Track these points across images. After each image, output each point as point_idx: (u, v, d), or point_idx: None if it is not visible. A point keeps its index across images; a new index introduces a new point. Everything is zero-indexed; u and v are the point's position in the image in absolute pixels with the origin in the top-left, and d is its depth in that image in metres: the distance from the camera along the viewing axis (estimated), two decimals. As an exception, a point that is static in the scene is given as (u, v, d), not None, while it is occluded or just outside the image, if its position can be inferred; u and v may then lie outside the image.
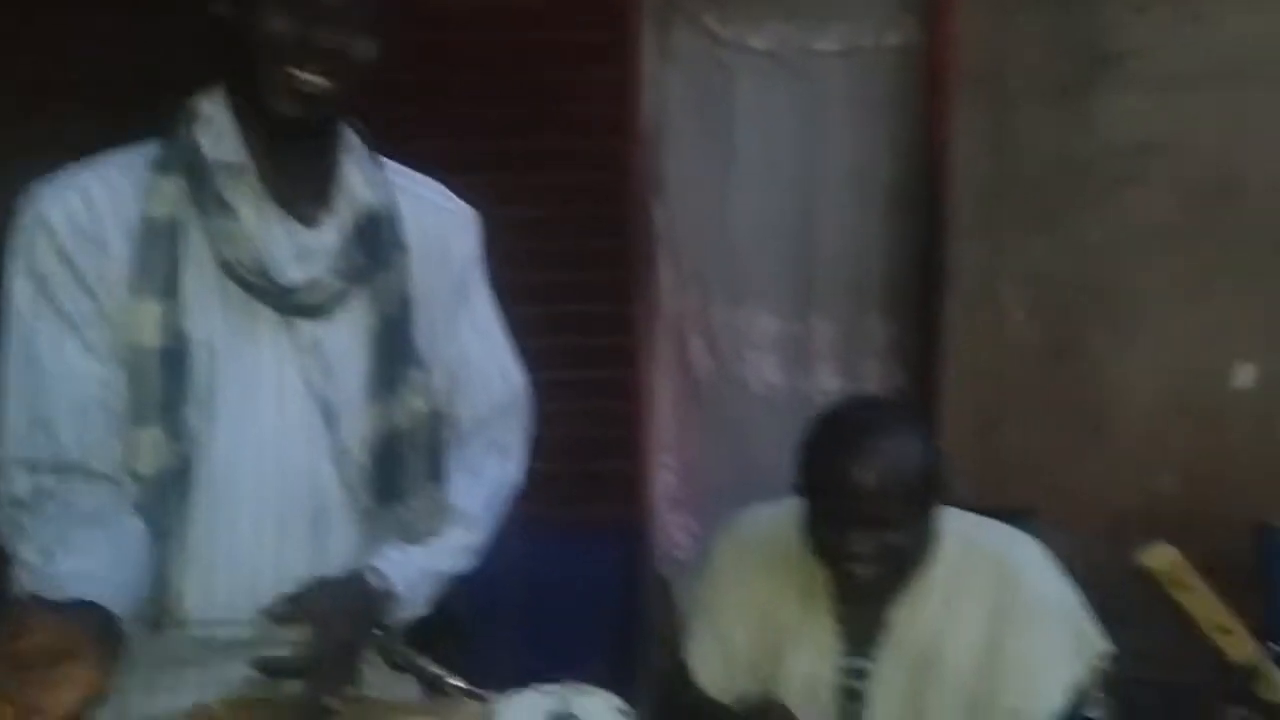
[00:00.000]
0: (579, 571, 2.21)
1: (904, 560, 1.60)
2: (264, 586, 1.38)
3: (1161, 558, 1.12)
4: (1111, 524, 2.66)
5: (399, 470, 1.47)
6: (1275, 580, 1.99)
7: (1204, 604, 1.13)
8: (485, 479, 1.59)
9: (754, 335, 3.06)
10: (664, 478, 3.10)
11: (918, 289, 2.89)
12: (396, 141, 1.57)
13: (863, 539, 1.54)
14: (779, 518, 1.78)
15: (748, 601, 1.74)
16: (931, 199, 2.83)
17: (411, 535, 1.47)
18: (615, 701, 1.35)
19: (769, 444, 2.83)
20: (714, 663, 1.74)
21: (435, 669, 1.35)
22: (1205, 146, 2.77)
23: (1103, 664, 1.64)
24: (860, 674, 1.67)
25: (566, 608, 2.14)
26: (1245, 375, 2.78)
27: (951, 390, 2.80)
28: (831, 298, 2.98)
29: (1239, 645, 1.15)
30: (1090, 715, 1.63)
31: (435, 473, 1.50)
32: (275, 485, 1.41)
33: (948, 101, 2.79)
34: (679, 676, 1.76)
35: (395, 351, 1.46)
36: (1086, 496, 2.69)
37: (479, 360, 1.59)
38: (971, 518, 1.74)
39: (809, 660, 1.69)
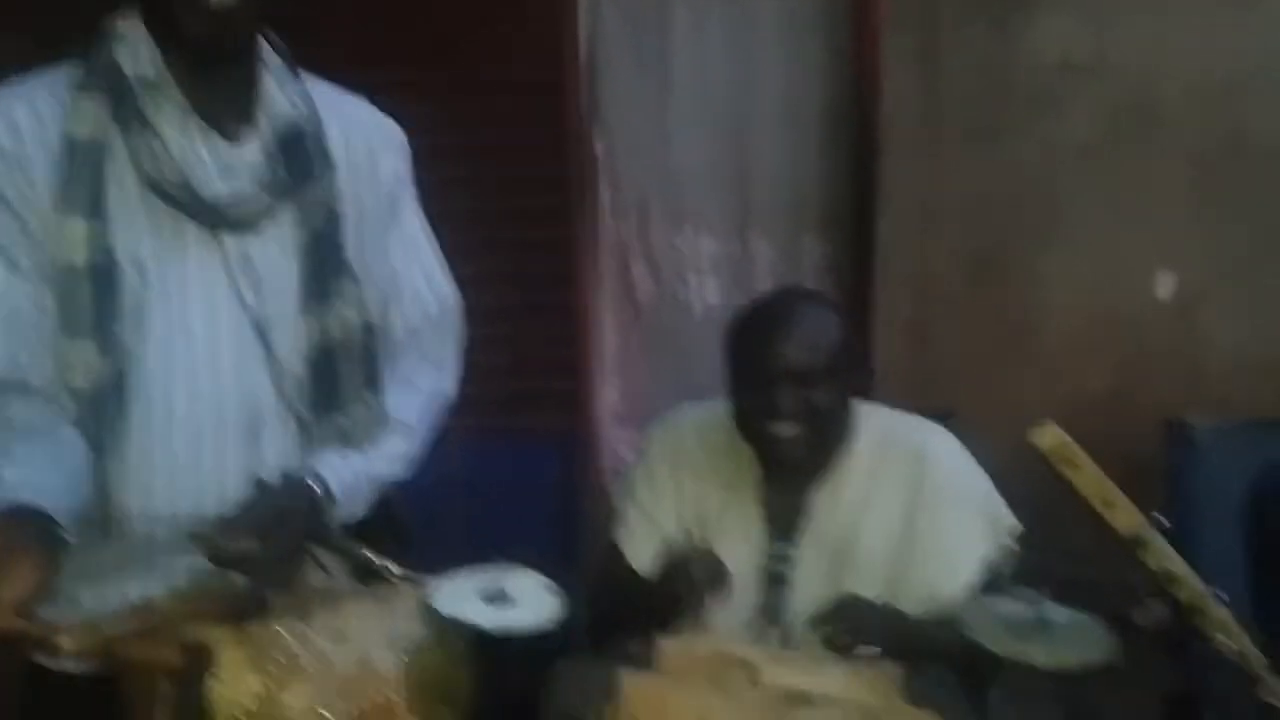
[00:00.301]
0: (522, 479, 2.26)
1: (825, 423, 1.67)
2: (202, 497, 1.42)
3: (1049, 436, 1.18)
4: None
5: (335, 381, 1.50)
6: (1180, 471, 2.07)
7: (1089, 480, 1.19)
8: (419, 390, 1.63)
9: (694, 258, 3.09)
10: (609, 396, 3.15)
11: (851, 208, 2.93)
12: (331, 68, 1.59)
13: (786, 396, 1.61)
14: (708, 415, 1.85)
15: (678, 492, 1.80)
16: (863, 121, 2.87)
17: (349, 443, 1.51)
18: (545, 580, 1.40)
19: (710, 363, 2.86)
20: (644, 544, 1.80)
21: (371, 556, 1.40)
22: (1128, 67, 2.82)
23: (1011, 542, 1.71)
24: (784, 559, 1.74)
25: (509, 513, 2.20)
26: (1165, 285, 2.85)
27: (885, 304, 2.86)
28: (769, 219, 3.02)
29: (1124, 517, 1.20)
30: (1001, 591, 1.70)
31: (371, 383, 1.53)
32: (210, 398, 1.44)
33: (878, 25, 2.83)
34: (611, 558, 1.82)
35: (325, 264, 1.49)
36: (1013, 401, 2.74)
37: (410, 275, 1.62)
38: (888, 411, 1.81)
39: (736, 547, 1.75)
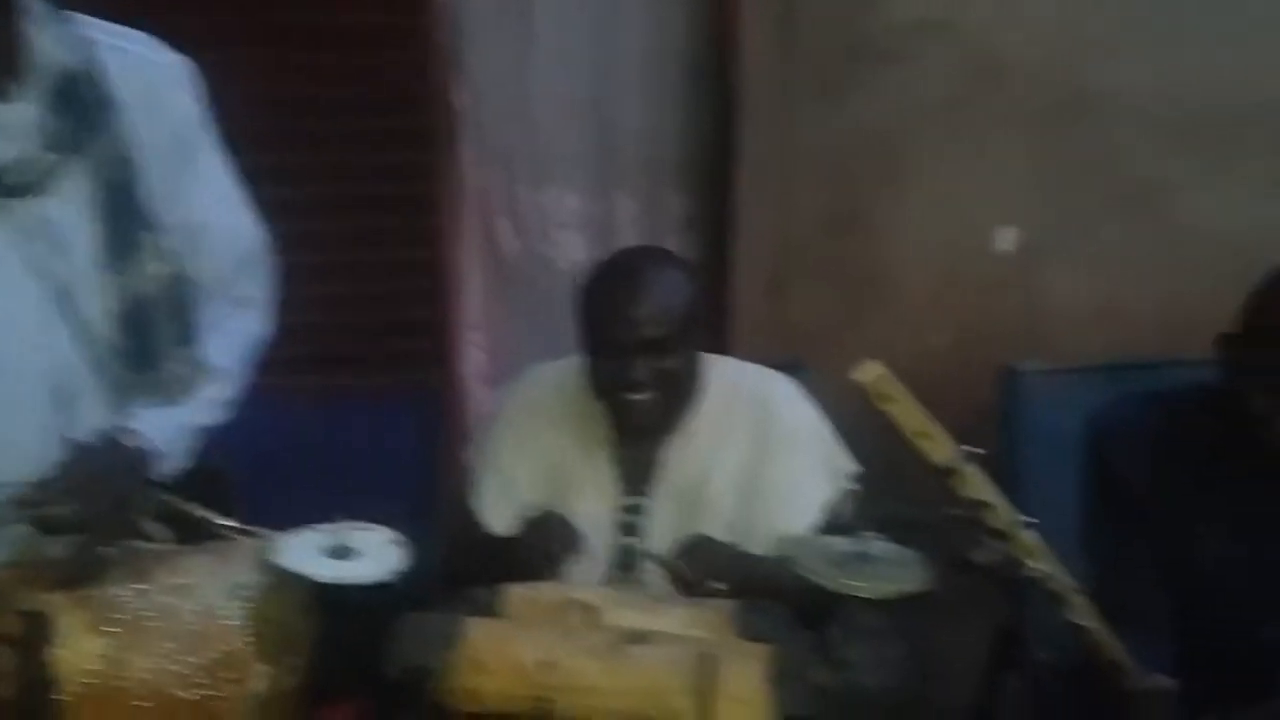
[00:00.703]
0: (383, 438, 2.24)
1: (677, 387, 1.69)
2: (20, 467, 1.38)
3: (868, 372, 1.22)
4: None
5: (148, 337, 1.47)
6: (1012, 415, 2.16)
7: (906, 412, 1.24)
8: (233, 334, 1.62)
9: (559, 214, 3.09)
10: (474, 355, 3.13)
11: (711, 165, 2.95)
12: (172, 21, 1.53)
13: (640, 365, 1.63)
14: (562, 372, 1.86)
15: (532, 449, 1.81)
16: (721, 78, 2.88)
17: (168, 397, 1.48)
18: (390, 535, 1.40)
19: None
20: (500, 505, 1.81)
21: (203, 513, 1.38)
22: (977, 27, 2.88)
23: (850, 484, 1.77)
24: (636, 510, 1.76)
25: (369, 472, 2.18)
26: (1008, 239, 2.94)
27: (744, 259, 2.89)
28: (632, 175, 3.03)
29: (938, 448, 1.26)
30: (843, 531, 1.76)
31: (185, 335, 1.51)
32: (14, 370, 1.40)
33: (736, -17, 2.84)
34: (467, 519, 1.82)
35: (124, 218, 1.44)
36: (868, 353, 2.76)
37: (214, 218, 1.59)
38: (734, 363, 1.84)
39: (589, 500, 1.78)
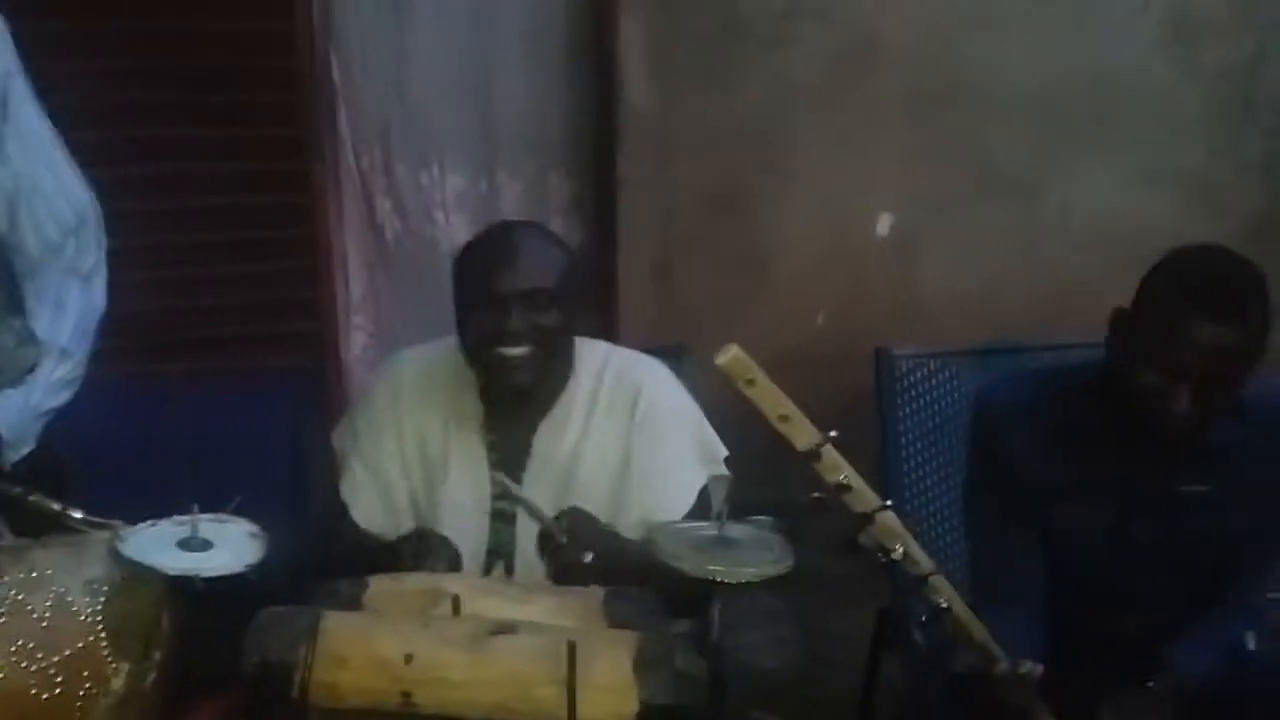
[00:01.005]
0: (258, 422, 2.15)
1: (553, 346, 1.67)
2: None
3: (727, 356, 1.20)
4: (772, 361, 2.81)
5: None
6: (887, 398, 2.18)
7: (767, 395, 1.22)
8: (69, 308, 1.54)
9: (441, 195, 3.03)
10: (356, 339, 3.06)
11: (594, 146, 2.92)
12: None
13: (516, 317, 1.61)
14: (431, 355, 1.81)
15: (399, 436, 1.77)
16: (601, 58, 2.85)
17: (1, 375, 1.40)
18: (248, 527, 1.35)
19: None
20: (369, 499, 1.76)
21: (54, 505, 1.31)
22: (853, 12, 2.90)
23: (724, 469, 1.76)
24: (509, 496, 1.73)
25: (241, 459, 2.09)
26: (884, 224, 2.98)
27: (629, 242, 2.88)
28: (515, 156, 2.98)
29: (798, 431, 1.24)
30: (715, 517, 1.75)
31: (12, 305, 1.43)
32: None
33: (619, -38, 2.81)
34: (336, 511, 1.77)
35: None
36: (750, 336, 2.76)
37: (35, 181, 1.50)
38: (606, 346, 1.82)
39: (462, 487, 1.74)
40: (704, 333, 2.71)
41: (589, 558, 1.52)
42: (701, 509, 1.72)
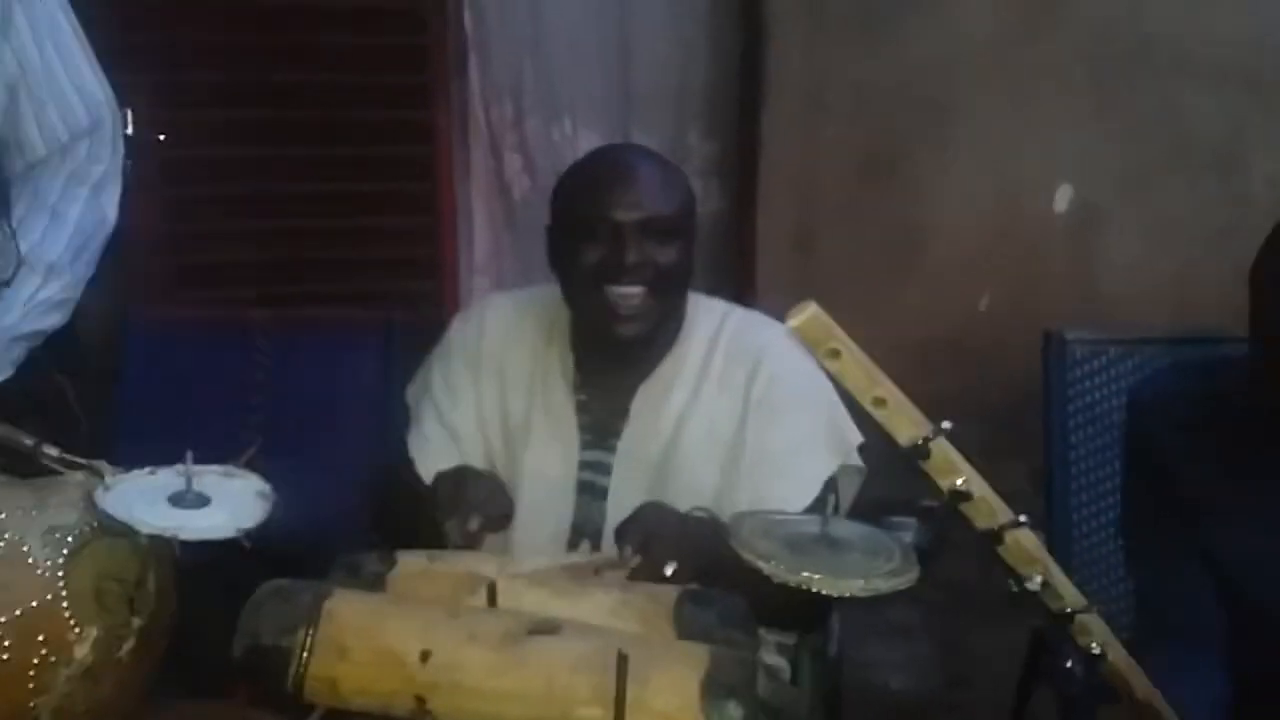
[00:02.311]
0: (341, 371, 1.93)
1: (670, 291, 1.39)
2: None
3: (802, 315, 0.86)
4: (925, 348, 2.49)
5: None
6: (1055, 387, 1.80)
7: (857, 372, 0.88)
8: (68, 220, 1.33)
9: (573, 152, 2.78)
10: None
11: (738, 102, 2.67)
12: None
13: (631, 249, 1.34)
14: (525, 300, 1.55)
15: (480, 389, 1.50)
16: (751, 8, 2.57)
17: None
18: (257, 484, 1.10)
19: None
20: (439, 455, 1.50)
21: (25, 440, 1.08)
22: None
23: (858, 460, 1.43)
24: (599, 467, 1.44)
25: (319, 407, 1.87)
26: (1062, 198, 2.60)
27: (767, 207, 2.59)
28: (652, 113, 2.75)
29: (900, 421, 0.89)
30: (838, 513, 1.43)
31: None
32: None
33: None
34: (403, 469, 1.52)
35: None
36: (901, 319, 2.51)
37: (47, 73, 1.31)
38: (725, 305, 1.51)
39: (547, 455, 1.46)
40: (848, 313, 2.41)
41: (671, 569, 1.20)
42: (825, 504, 1.39)
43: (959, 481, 0.90)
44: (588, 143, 2.78)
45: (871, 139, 2.59)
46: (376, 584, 1.10)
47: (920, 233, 2.62)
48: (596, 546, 1.44)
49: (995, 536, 0.93)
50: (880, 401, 0.88)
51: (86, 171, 1.35)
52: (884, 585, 0.91)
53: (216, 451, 1.29)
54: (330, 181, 2.55)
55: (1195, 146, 2.58)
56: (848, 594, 0.90)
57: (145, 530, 1.00)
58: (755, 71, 2.59)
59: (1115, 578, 1.73)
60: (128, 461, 1.17)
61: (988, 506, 0.92)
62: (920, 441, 0.88)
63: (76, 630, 1.02)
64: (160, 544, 1.06)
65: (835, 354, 0.86)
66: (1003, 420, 2.91)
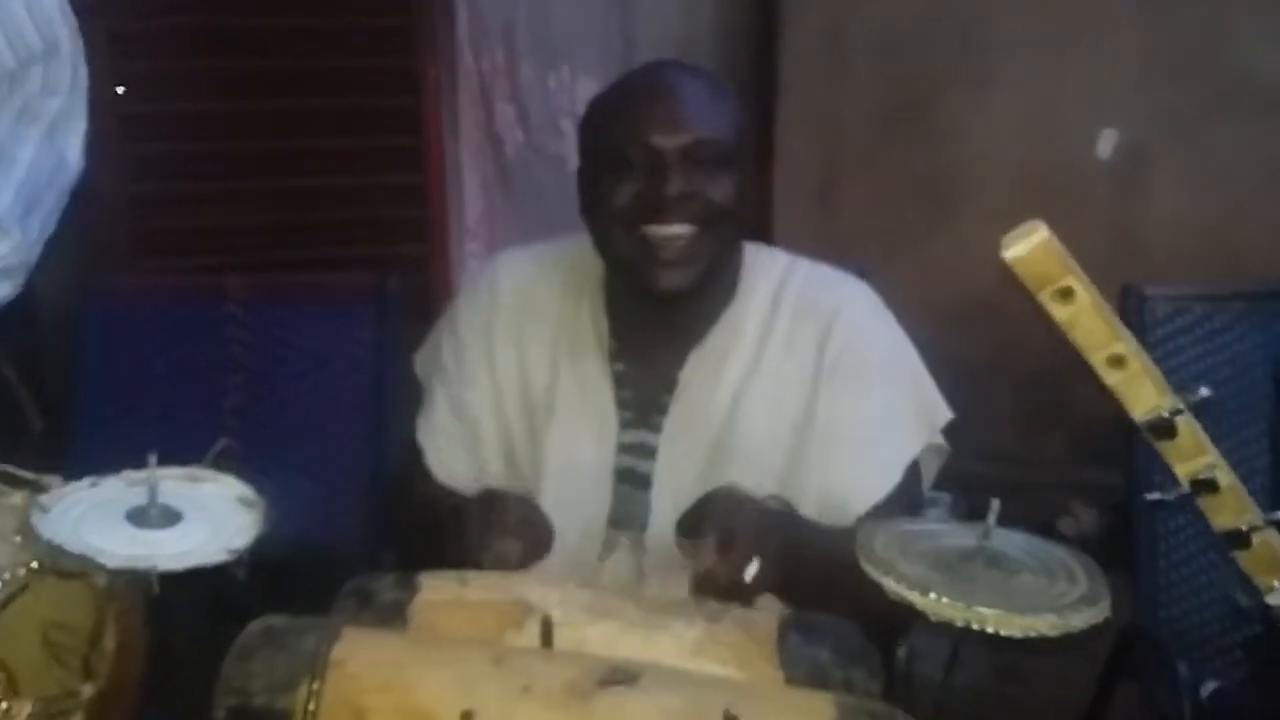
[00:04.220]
0: (327, 345, 1.69)
1: (721, 229, 1.17)
2: None
3: (1028, 242, 0.67)
4: (957, 303, 2.27)
5: None
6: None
7: (1091, 319, 0.68)
8: (18, 164, 1.15)
9: (570, 101, 2.56)
10: (471, 266, 2.60)
11: (751, 45, 2.45)
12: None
13: (675, 179, 1.11)
14: (545, 254, 1.31)
15: (493, 362, 1.25)
16: (765, -63, 2.34)
17: None
18: (239, 490, 0.85)
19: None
20: (451, 443, 1.26)
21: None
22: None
23: (943, 441, 1.20)
24: (642, 450, 1.20)
25: (303, 386, 1.63)
26: (1106, 143, 2.39)
27: (786, 156, 2.37)
28: (656, 54, 2.44)
29: (1140, 387, 0.69)
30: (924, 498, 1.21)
31: None
32: None
33: None
34: (411, 458, 1.27)
35: None
36: (932, 273, 2.29)
37: None
38: (788, 257, 1.27)
39: (578, 437, 1.22)
40: (874, 265, 2.22)
41: (753, 571, 0.97)
42: (908, 491, 1.17)
43: (1205, 464, 0.69)
44: (586, 91, 2.54)
45: (897, 82, 2.41)
46: (395, 616, 0.86)
47: (951, 181, 2.43)
48: (639, 545, 1.21)
49: (1238, 538, 0.71)
50: (1118, 361, 0.69)
51: (40, 106, 1.17)
52: (1079, 621, 0.68)
53: (193, 449, 1.05)
54: (307, 137, 2.31)
55: (1250, 84, 2.37)
56: (1034, 634, 0.67)
57: (111, 564, 0.76)
58: (770, 8, 2.38)
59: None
60: (85, 467, 0.93)
61: (1236, 501, 0.71)
62: (1166, 415, 0.67)
63: (3, 706, 0.77)
64: (124, 581, 0.81)
65: (1067, 295, 0.68)
66: (1042, 385, 2.74)
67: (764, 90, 2.42)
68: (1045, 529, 2.31)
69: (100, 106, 2.18)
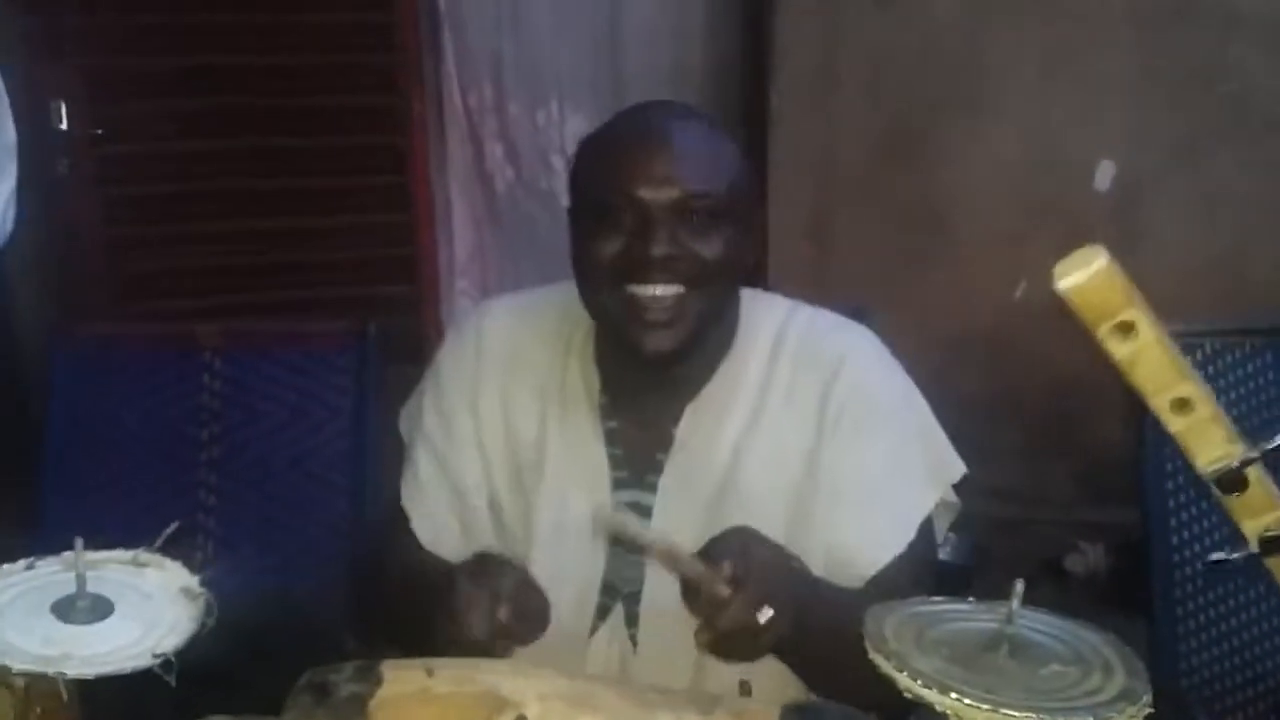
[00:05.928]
0: (307, 397, 1.59)
1: (715, 288, 1.06)
2: None
3: (1085, 270, 0.58)
4: (957, 338, 2.19)
5: None
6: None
7: (1156, 358, 0.60)
8: None
9: (560, 138, 2.51)
10: (460, 306, 2.53)
11: (742, 77, 2.39)
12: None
13: (662, 237, 1.02)
14: (531, 304, 1.21)
15: (479, 419, 1.16)
16: (752, -33, 2.28)
17: None
18: (183, 579, 0.76)
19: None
20: (436, 506, 1.16)
21: None
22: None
23: (953, 495, 1.10)
24: (638, 511, 1.11)
25: (280, 441, 1.54)
26: (1104, 174, 2.33)
27: (779, 190, 2.31)
28: (647, 91, 2.43)
29: (1206, 433, 0.61)
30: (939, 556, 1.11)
31: None
32: None
33: None
34: (394, 521, 1.18)
35: None
36: (929, 308, 2.21)
37: None
38: (788, 303, 1.18)
39: (568, 497, 1.12)
40: (869, 299, 2.14)
41: (767, 615, 0.88)
42: (922, 553, 1.07)
43: (1276, 522, 0.60)
44: (576, 127, 2.50)
45: (890, 111, 2.32)
46: (354, 713, 0.76)
47: (948, 215, 2.34)
48: (633, 614, 1.11)
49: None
50: (1184, 405, 0.62)
51: None
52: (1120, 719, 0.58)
53: (164, 507, 0.95)
54: (291, 176, 2.22)
55: (1253, 111, 2.30)
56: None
57: (17, 666, 0.66)
58: (759, 41, 2.32)
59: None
60: (53, 525, 0.84)
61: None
62: (1236, 464, 0.59)
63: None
64: (46, 682, 0.71)
65: (1128, 329, 0.60)
66: (1045, 421, 2.66)
67: (755, 125, 2.34)
68: (1052, 567, 2.22)
69: (77, 148, 2.13)
